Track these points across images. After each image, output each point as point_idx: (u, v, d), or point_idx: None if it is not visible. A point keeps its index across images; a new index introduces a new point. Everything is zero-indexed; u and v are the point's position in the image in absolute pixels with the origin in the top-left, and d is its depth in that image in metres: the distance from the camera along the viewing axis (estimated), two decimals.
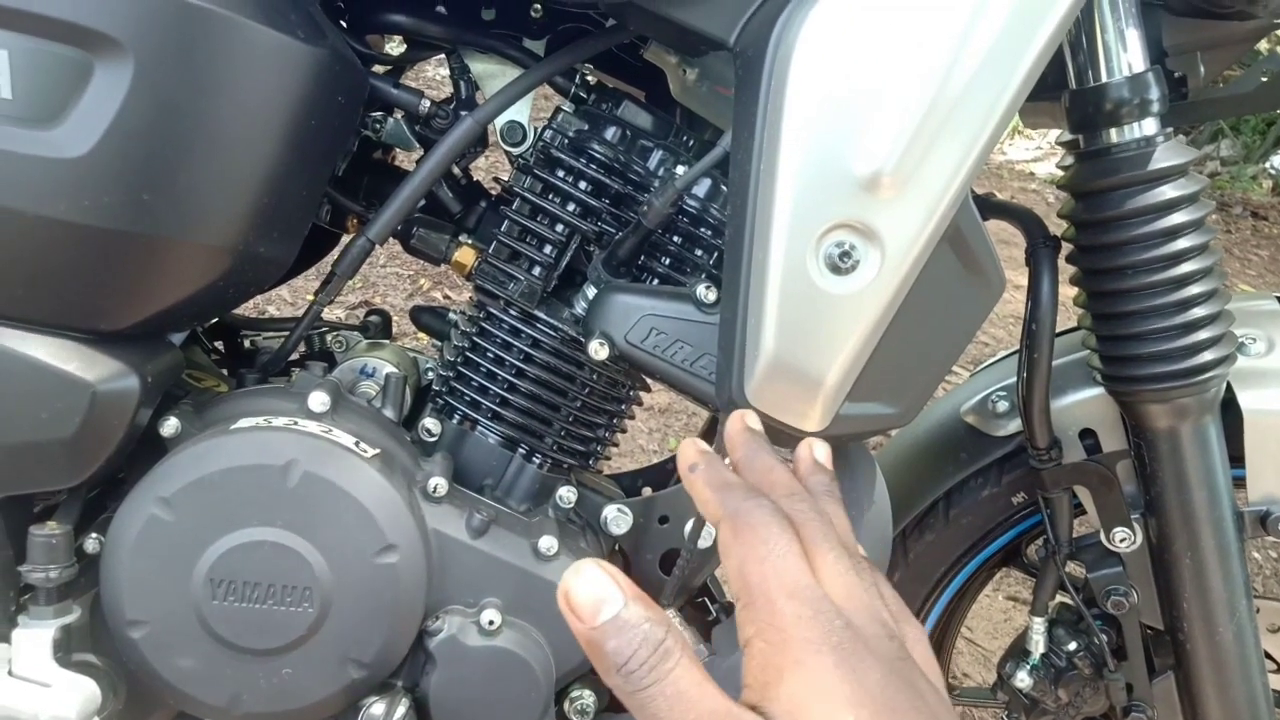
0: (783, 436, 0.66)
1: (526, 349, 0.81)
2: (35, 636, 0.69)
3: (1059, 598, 0.96)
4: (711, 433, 1.03)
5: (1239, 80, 0.83)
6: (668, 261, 0.78)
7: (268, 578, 0.70)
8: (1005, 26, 0.59)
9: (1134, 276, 0.74)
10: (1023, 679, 0.96)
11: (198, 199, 0.66)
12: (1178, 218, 0.72)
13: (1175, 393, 0.76)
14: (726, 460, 0.52)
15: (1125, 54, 0.72)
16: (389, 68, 0.89)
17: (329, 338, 0.95)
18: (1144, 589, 0.89)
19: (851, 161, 0.60)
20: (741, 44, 0.65)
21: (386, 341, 0.96)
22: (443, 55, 0.88)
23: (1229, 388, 0.81)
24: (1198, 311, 0.74)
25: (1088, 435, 0.88)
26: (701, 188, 0.76)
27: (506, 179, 0.85)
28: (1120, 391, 0.80)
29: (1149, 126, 0.72)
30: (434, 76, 3.21)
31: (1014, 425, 0.92)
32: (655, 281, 0.78)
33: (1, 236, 0.62)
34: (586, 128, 0.79)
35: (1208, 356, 0.74)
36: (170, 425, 0.74)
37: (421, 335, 1.92)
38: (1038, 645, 0.95)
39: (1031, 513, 0.95)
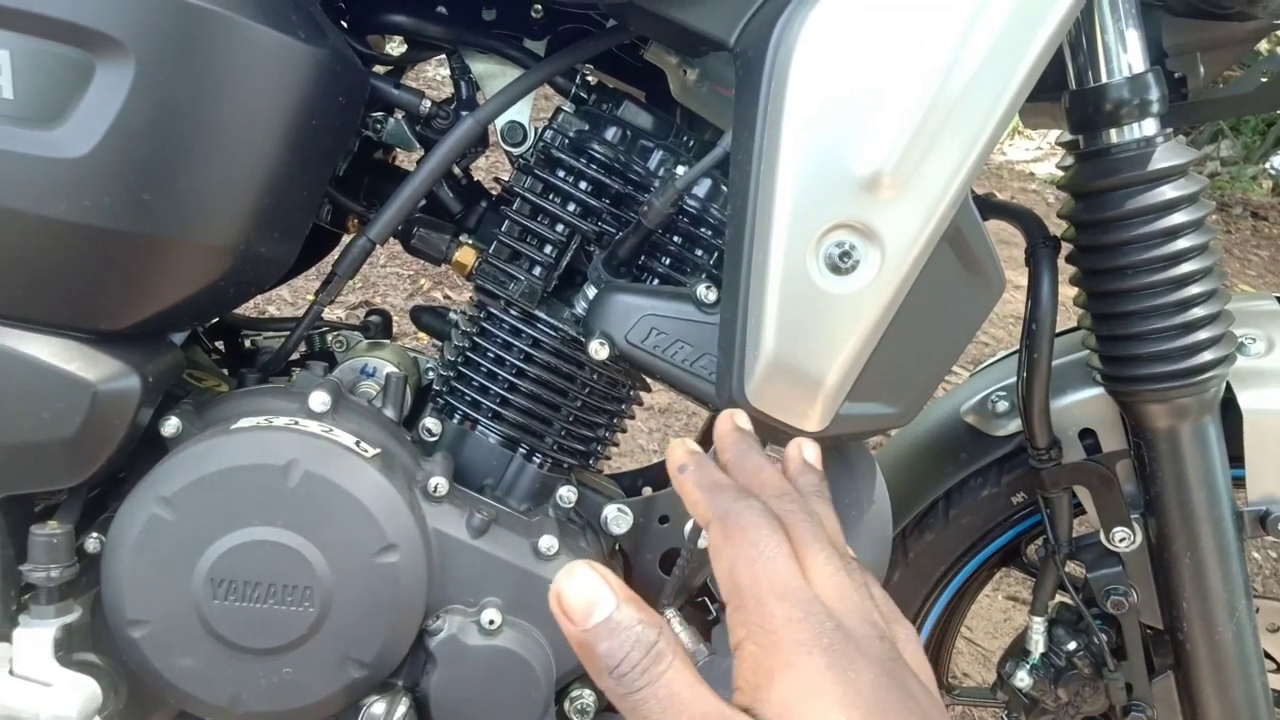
0: (783, 436, 0.66)
1: (527, 349, 0.81)
2: (36, 636, 0.69)
3: (1059, 597, 0.96)
4: (711, 433, 1.03)
5: (1239, 81, 0.83)
6: (668, 261, 0.78)
7: (268, 577, 0.70)
8: (1005, 26, 0.59)
9: (1134, 276, 0.74)
10: (1022, 679, 0.96)
11: (199, 199, 0.66)
12: (1178, 218, 0.72)
13: (1175, 393, 0.76)
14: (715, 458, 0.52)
15: (1125, 54, 0.72)
16: (390, 68, 0.89)
17: (329, 337, 0.95)
18: (1144, 589, 0.89)
19: (852, 161, 0.60)
20: (742, 44, 0.66)
21: (387, 341, 0.96)
22: (443, 55, 0.88)
23: (1229, 388, 0.81)
24: (1198, 311, 0.74)
25: (1087, 435, 0.88)
26: (702, 188, 0.76)
27: (507, 179, 0.85)
28: (1120, 391, 0.80)
29: (1149, 127, 0.72)
30: (434, 77, 3.21)
31: (1014, 425, 0.92)
32: (655, 281, 0.78)
33: (3, 236, 0.62)
34: (587, 128, 0.80)
35: (1207, 356, 0.74)
36: (171, 425, 0.74)
37: (422, 335, 1.93)
38: (1037, 645, 0.95)
39: (1031, 513, 0.95)
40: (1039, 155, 5.42)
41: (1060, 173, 0.79)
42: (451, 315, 0.91)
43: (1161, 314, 0.74)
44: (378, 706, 0.72)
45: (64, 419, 0.67)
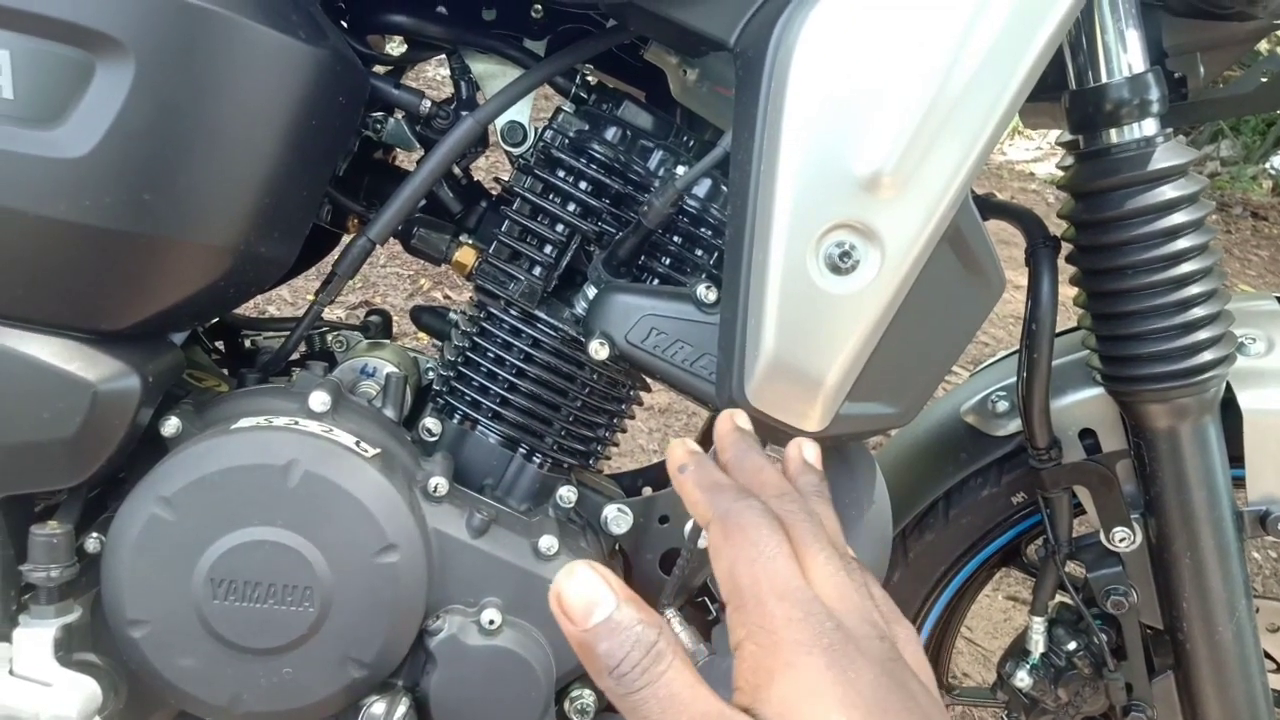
0: (783, 436, 0.66)
1: (527, 349, 0.81)
2: (36, 636, 0.69)
3: (1059, 597, 0.96)
4: (711, 433, 1.03)
5: (1239, 81, 0.83)
6: (668, 261, 0.78)
7: (268, 577, 0.70)
8: (1005, 26, 0.59)
9: (1134, 276, 0.74)
10: (1022, 679, 0.96)
11: (199, 199, 0.66)
12: (1178, 218, 0.72)
13: (1175, 393, 0.76)
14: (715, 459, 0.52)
15: (1125, 54, 0.72)
16: (390, 68, 0.89)
17: (329, 337, 0.95)
18: (1144, 589, 0.89)
19: (852, 161, 0.60)
20: (742, 44, 0.66)
21: (387, 341, 0.96)
22: (443, 55, 0.88)
23: (1228, 388, 0.81)
24: (1197, 311, 0.74)
25: (1087, 435, 0.88)
26: (702, 188, 0.76)
27: (507, 179, 0.85)
28: (1120, 391, 0.80)
29: (1149, 127, 0.72)
30: (434, 77, 3.21)
31: (1014, 425, 0.92)
32: (655, 281, 0.78)
33: (3, 236, 0.62)
34: (587, 128, 0.80)
35: (1207, 356, 0.75)
36: (171, 425, 0.74)
37: (422, 335, 1.93)
38: (1037, 645, 0.95)
39: (1031, 513, 0.95)
40: (1039, 155, 5.42)
41: (1060, 173, 0.79)
42: (451, 315, 0.92)
43: (1161, 314, 0.74)
44: (378, 706, 0.72)
45: (64, 419, 0.67)
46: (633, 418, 0.92)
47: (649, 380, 0.84)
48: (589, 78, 0.84)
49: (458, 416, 0.84)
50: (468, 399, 0.84)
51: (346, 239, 0.87)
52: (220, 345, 0.98)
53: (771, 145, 0.61)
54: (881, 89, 0.60)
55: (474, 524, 0.76)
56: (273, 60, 0.66)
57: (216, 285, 0.71)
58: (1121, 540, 0.87)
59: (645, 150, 0.80)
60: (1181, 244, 0.72)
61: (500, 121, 0.83)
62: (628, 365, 0.75)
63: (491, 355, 0.83)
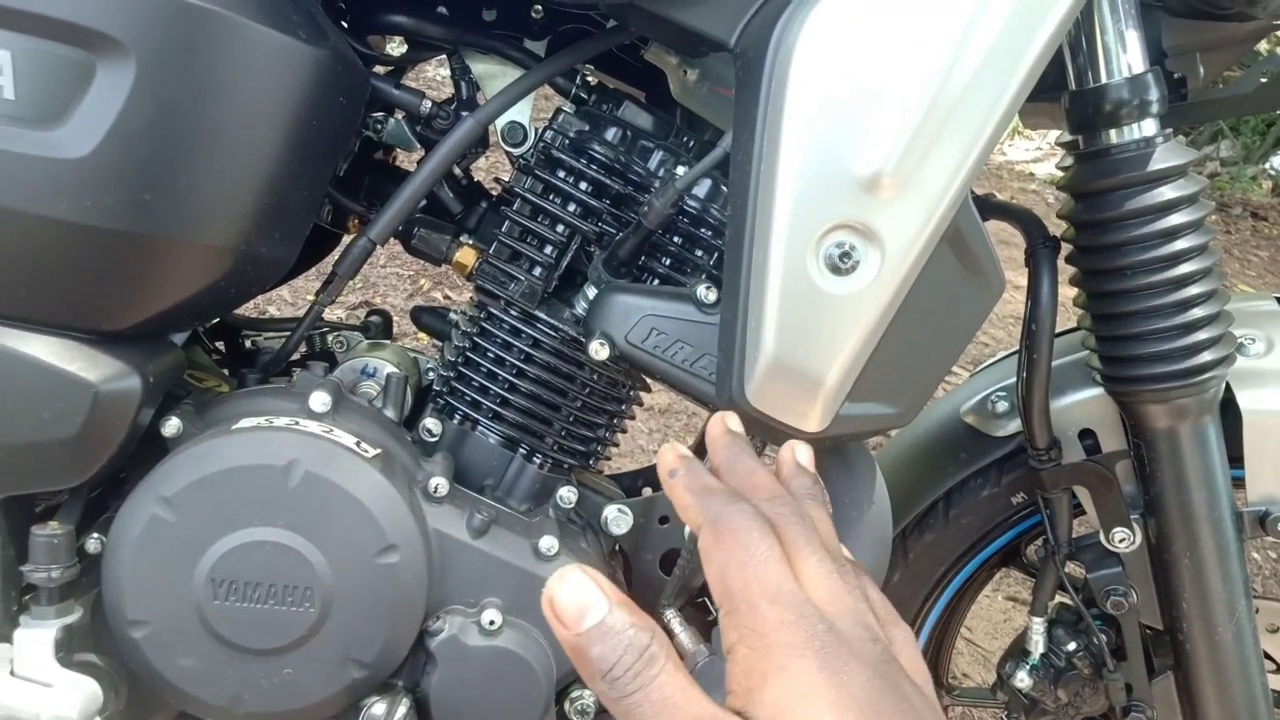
0: (782, 437, 0.66)
1: (527, 349, 0.81)
2: (37, 636, 0.69)
3: (1058, 598, 0.96)
4: None
5: (1239, 81, 0.83)
6: (668, 262, 0.78)
7: (269, 578, 0.70)
8: (1005, 27, 0.59)
9: (1133, 277, 0.74)
10: (1022, 679, 0.96)
11: (199, 199, 0.66)
12: (1177, 218, 0.72)
13: (1175, 393, 0.76)
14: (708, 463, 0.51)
15: (1125, 55, 0.72)
16: (390, 68, 0.89)
17: (330, 338, 0.95)
18: (1143, 589, 0.89)
19: (851, 162, 0.60)
20: (742, 45, 0.66)
21: (387, 342, 0.96)
22: (444, 56, 0.88)
23: (1228, 388, 0.81)
24: (1197, 312, 0.74)
25: (1087, 435, 0.88)
26: (702, 188, 0.76)
27: (507, 179, 0.85)
28: (1120, 392, 0.80)
29: (1148, 127, 0.73)
30: (435, 77, 3.21)
31: (1014, 425, 0.92)
32: (656, 282, 0.78)
33: (4, 237, 0.62)
34: (587, 128, 0.80)
35: (1207, 357, 0.75)
36: (172, 425, 0.74)
37: (422, 335, 1.93)
38: (1037, 645, 0.95)
39: (1031, 513, 0.96)
40: (1039, 155, 5.42)
41: (1060, 173, 0.79)
42: (451, 315, 0.92)
43: (1161, 314, 0.74)
44: (378, 707, 0.72)
45: (65, 419, 0.67)
46: (633, 418, 0.92)
47: (649, 380, 0.84)
48: (589, 78, 0.84)
49: (458, 417, 0.84)
50: (468, 399, 0.84)
51: (347, 239, 0.87)
52: (221, 345, 0.98)
53: (771, 145, 0.61)
54: (881, 89, 0.60)
55: (474, 524, 0.76)
56: (273, 60, 0.66)
57: (217, 285, 0.71)
58: (1121, 541, 0.87)
59: (645, 151, 0.80)
60: (1181, 244, 0.73)
61: (500, 122, 0.83)
62: (628, 365, 0.75)
63: (492, 355, 0.83)
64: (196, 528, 0.69)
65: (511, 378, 0.82)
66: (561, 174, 0.79)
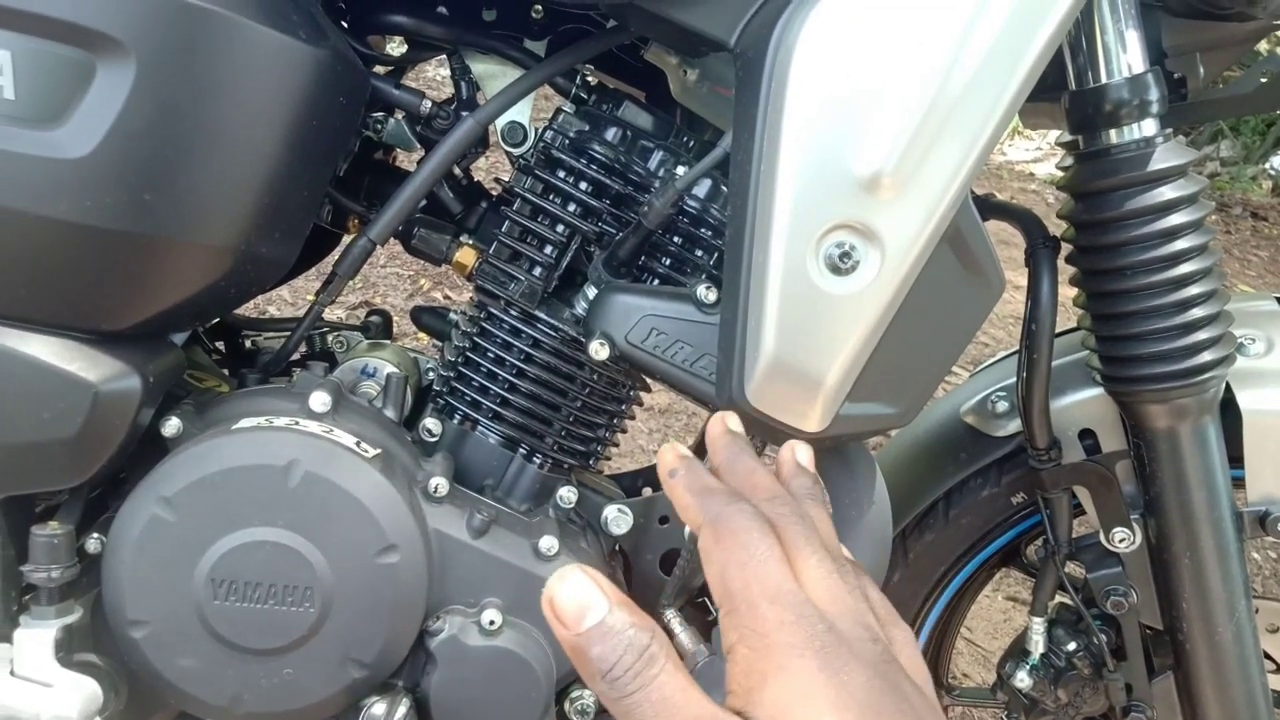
0: (783, 437, 0.66)
1: (527, 349, 0.81)
2: (37, 636, 0.69)
3: (1058, 598, 0.96)
4: None
5: (1239, 81, 0.83)
6: (668, 262, 0.78)
7: (269, 578, 0.70)
8: (1005, 26, 0.59)
9: (1133, 277, 0.74)
10: (1022, 679, 0.96)
11: (199, 199, 0.66)
12: (1177, 218, 0.72)
13: (1175, 393, 0.76)
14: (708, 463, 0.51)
15: (1125, 55, 0.72)
16: (390, 68, 0.89)
17: (330, 338, 0.95)
18: (1143, 589, 0.89)
19: (851, 162, 0.60)
20: (742, 45, 0.66)
21: (387, 342, 0.96)
22: (444, 56, 0.88)
23: (1228, 388, 0.81)
24: (1197, 312, 0.74)
25: (1087, 435, 0.88)
26: (702, 188, 0.76)
27: (507, 179, 0.85)
28: (1120, 392, 0.80)
29: (1148, 127, 0.73)
30: (435, 77, 3.21)
31: (1014, 425, 0.92)
32: (656, 282, 0.78)
33: (4, 237, 0.62)
34: (587, 128, 0.80)
35: (1207, 357, 0.75)
36: (172, 425, 0.74)
37: (422, 335, 1.93)
38: (1037, 645, 0.95)
39: (1031, 513, 0.96)
40: (1039, 155, 5.42)
41: (1060, 173, 0.79)
42: (451, 315, 0.92)
43: (1161, 314, 0.74)
44: (378, 707, 0.72)
45: (65, 419, 0.67)
46: (633, 418, 0.92)
47: (649, 380, 0.84)
48: (589, 78, 0.84)
49: (458, 417, 0.84)
50: (468, 399, 0.84)
51: (347, 239, 0.87)
52: (221, 345, 0.98)
53: (771, 145, 0.61)
54: (881, 89, 0.60)
55: (474, 524, 0.76)
56: (273, 60, 0.66)
57: (217, 285, 0.71)
58: (1121, 541, 0.87)
59: (645, 151, 0.80)
60: (1181, 244, 0.73)
61: (500, 122, 0.83)
62: (628, 365, 0.75)
63: (491, 355, 0.83)
64: (196, 528, 0.69)
65: (511, 378, 0.82)
66: (561, 174, 0.79)
